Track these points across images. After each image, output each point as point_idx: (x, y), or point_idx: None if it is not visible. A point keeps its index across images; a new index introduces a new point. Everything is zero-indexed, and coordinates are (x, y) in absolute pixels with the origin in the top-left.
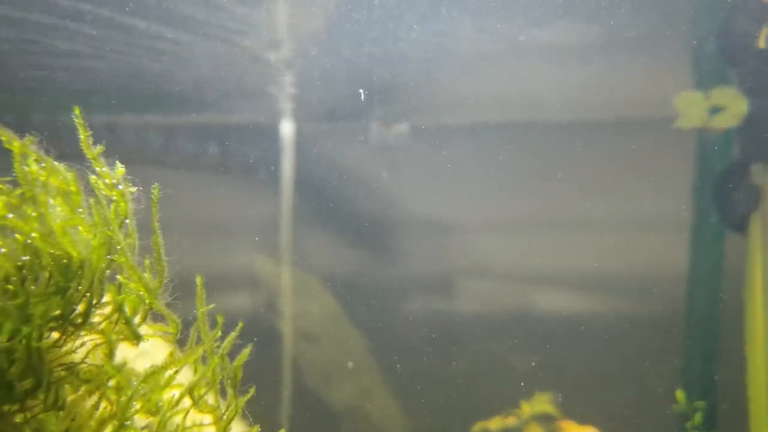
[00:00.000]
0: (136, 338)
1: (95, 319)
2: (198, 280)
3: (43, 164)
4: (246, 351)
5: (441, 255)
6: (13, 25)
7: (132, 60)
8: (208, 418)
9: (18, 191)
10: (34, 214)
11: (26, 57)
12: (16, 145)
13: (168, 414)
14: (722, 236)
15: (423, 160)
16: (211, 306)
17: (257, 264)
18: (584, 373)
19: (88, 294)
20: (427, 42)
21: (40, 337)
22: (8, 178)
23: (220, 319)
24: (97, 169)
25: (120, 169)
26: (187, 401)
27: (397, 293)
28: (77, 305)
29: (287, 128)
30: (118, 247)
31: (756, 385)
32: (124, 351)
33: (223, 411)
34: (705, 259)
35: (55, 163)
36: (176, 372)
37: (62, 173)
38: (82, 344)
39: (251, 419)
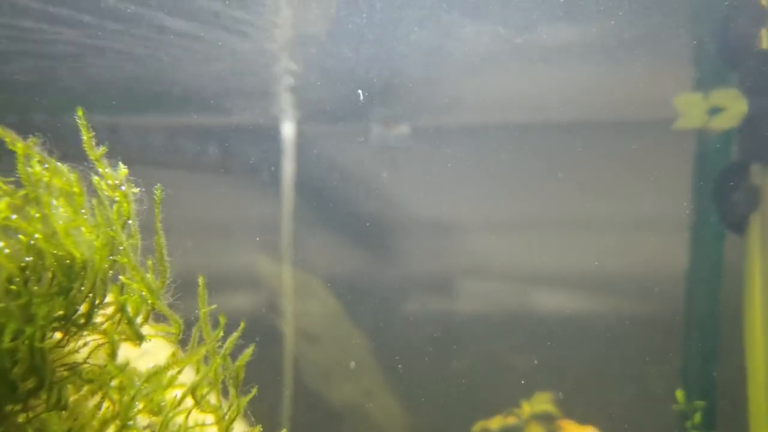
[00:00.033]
0: (139, 338)
1: (98, 319)
2: (200, 280)
3: (46, 165)
4: (248, 351)
5: (441, 255)
6: (14, 26)
7: (133, 61)
8: (210, 418)
9: (21, 192)
10: (37, 215)
11: (27, 57)
12: (19, 146)
13: (170, 414)
14: (722, 236)
15: (423, 160)
16: (213, 306)
17: (258, 264)
18: (584, 373)
19: (90, 294)
20: (427, 43)
21: (43, 338)
22: (11, 179)
23: (222, 320)
24: (100, 170)
25: (123, 170)
26: (189, 401)
27: (398, 293)
28: (80, 306)
29: (288, 129)
30: (121, 248)
31: (755, 385)
32: (126, 351)
33: (225, 411)
34: (705, 259)
35: (58, 164)
36: (179, 372)
37: (65, 174)
38: (85, 344)
39: (253, 419)
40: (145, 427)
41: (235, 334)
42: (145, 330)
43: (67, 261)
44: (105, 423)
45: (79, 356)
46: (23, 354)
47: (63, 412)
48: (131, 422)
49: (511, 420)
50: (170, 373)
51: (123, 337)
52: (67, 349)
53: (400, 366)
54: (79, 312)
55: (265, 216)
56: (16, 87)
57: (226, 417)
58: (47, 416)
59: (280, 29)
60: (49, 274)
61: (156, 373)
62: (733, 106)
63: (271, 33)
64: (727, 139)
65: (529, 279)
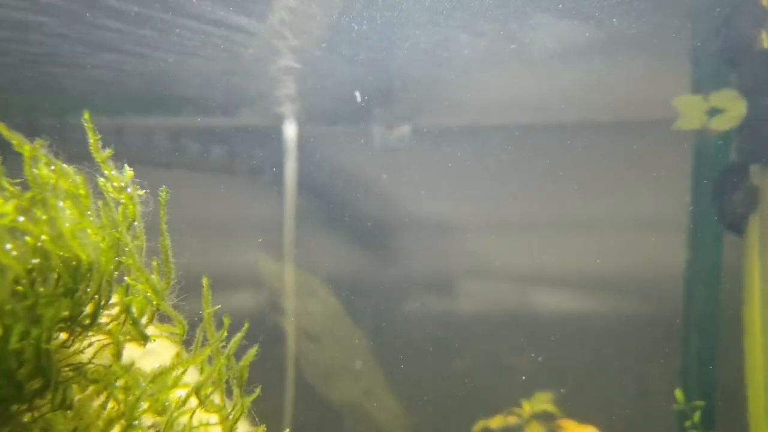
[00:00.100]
0: (143, 339)
1: (103, 319)
2: (204, 281)
3: (52, 167)
4: (252, 351)
5: (442, 255)
6: (19, 28)
7: (138, 63)
8: (214, 418)
9: (29, 194)
10: (44, 217)
11: (33, 60)
12: (26, 148)
13: (175, 414)
14: (721, 237)
15: (424, 161)
16: (217, 307)
17: (260, 264)
18: (584, 373)
19: (96, 296)
20: (427, 45)
21: (49, 339)
22: (18, 180)
23: (226, 320)
24: (106, 172)
25: (128, 172)
26: (193, 401)
27: (398, 293)
28: (85, 307)
29: (290, 131)
30: (126, 249)
31: (754, 385)
32: (131, 351)
33: (229, 411)
34: (704, 259)
35: (65, 166)
36: (183, 372)
37: (71, 176)
38: (90, 344)
39: (257, 419)
40: (149, 427)
41: (239, 335)
42: (150, 330)
43: (74, 263)
44: (110, 423)
45: (84, 356)
46: (29, 355)
47: (68, 411)
48: (136, 422)
49: (512, 419)
50: (175, 373)
51: (128, 337)
52: (72, 349)
53: (402, 366)
54: (84, 313)
55: (266, 216)
56: (21, 89)
57: (230, 417)
58: (52, 416)
59: (282, 32)
60: (55, 276)
61: (161, 374)
62: (732, 107)
63: (274, 36)
64: (727, 139)
65: (529, 279)
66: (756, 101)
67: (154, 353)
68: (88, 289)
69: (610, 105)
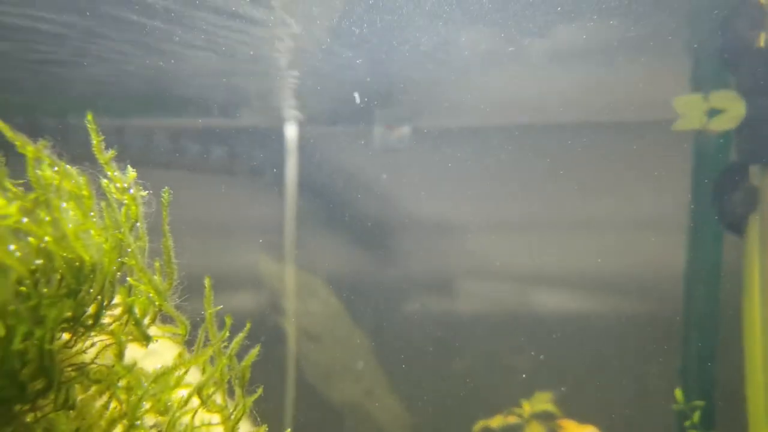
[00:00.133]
0: (146, 339)
1: (105, 320)
2: (206, 282)
3: (56, 168)
4: (254, 351)
5: (442, 255)
6: (20, 28)
7: (138, 63)
8: (216, 418)
9: (32, 195)
10: (47, 218)
11: (33, 60)
12: (29, 149)
13: (177, 414)
14: (721, 237)
15: (424, 161)
16: (219, 307)
17: (261, 264)
18: (584, 373)
19: (99, 296)
20: (427, 48)
21: (52, 339)
22: (21, 181)
23: (228, 321)
24: (109, 173)
25: (131, 173)
26: (195, 401)
27: (399, 293)
28: (88, 307)
29: (291, 132)
30: (129, 250)
31: (754, 385)
32: (133, 351)
33: (231, 411)
34: (704, 259)
35: (68, 166)
36: (185, 372)
37: (75, 177)
38: (92, 345)
39: (258, 419)
40: (151, 427)
41: (241, 335)
42: (152, 331)
43: (77, 264)
44: (112, 423)
45: (87, 357)
46: (32, 355)
47: (71, 411)
48: (138, 422)
49: (512, 419)
50: (177, 373)
51: (130, 337)
52: (74, 349)
53: (402, 366)
54: (87, 313)
55: (267, 217)
56: (21, 89)
57: (232, 417)
58: (55, 416)
59: (283, 34)
60: (58, 276)
61: (163, 374)
62: (732, 108)
63: (274, 37)
64: (726, 140)
65: (529, 279)
66: (755, 101)
67: (157, 353)
68: (91, 290)
69: (610, 105)
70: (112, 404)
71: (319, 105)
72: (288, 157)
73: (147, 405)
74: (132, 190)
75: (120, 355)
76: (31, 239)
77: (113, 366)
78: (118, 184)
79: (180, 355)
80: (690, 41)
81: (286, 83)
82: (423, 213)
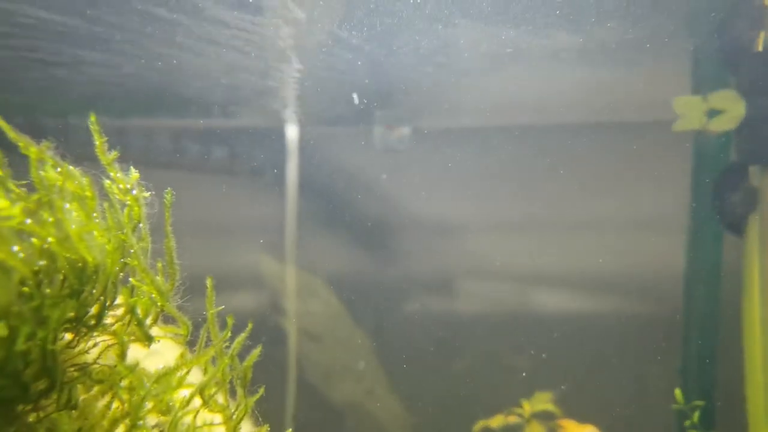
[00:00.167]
0: (148, 339)
1: (108, 320)
2: (209, 282)
3: (59, 169)
4: (256, 352)
5: (442, 255)
6: (19, 27)
7: (139, 64)
8: (218, 418)
9: (35, 196)
10: (51, 219)
11: (33, 59)
12: (32, 150)
13: (179, 414)
14: (721, 237)
15: (425, 162)
16: (221, 308)
17: (262, 265)
18: (584, 373)
19: (101, 297)
20: (427, 50)
21: (55, 340)
22: (24, 182)
23: (230, 321)
24: (112, 174)
25: (134, 174)
26: (197, 401)
27: (399, 293)
28: (91, 308)
29: (291, 132)
30: (132, 251)
31: (753, 385)
32: (135, 351)
33: (232, 411)
34: (704, 259)
35: (71, 167)
36: (187, 372)
37: (77, 178)
38: (95, 345)
39: (260, 419)
40: (153, 427)
41: (243, 335)
42: (154, 331)
43: (80, 264)
44: (114, 422)
45: (89, 357)
46: (35, 356)
47: (73, 411)
48: (141, 422)
49: (512, 419)
50: (179, 373)
51: (132, 338)
52: (77, 349)
53: (403, 366)
54: (89, 314)
55: (268, 217)
56: (21, 89)
57: (234, 417)
58: (58, 416)
59: (283, 35)
60: (61, 277)
61: (165, 374)
62: (731, 108)
63: (275, 38)
64: (726, 140)
65: (529, 279)
66: (755, 102)
67: (159, 354)
68: (94, 291)
69: (610, 106)
70: (115, 404)
71: (319, 105)
72: (288, 157)
73: (149, 405)
74: (135, 191)
75: (122, 355)
76: (34, 240)
77: (115, 366)
78: (121, 185)
79: (182, 356)
80: (689, 42)
81: (286, 84)
82: (423, 213)
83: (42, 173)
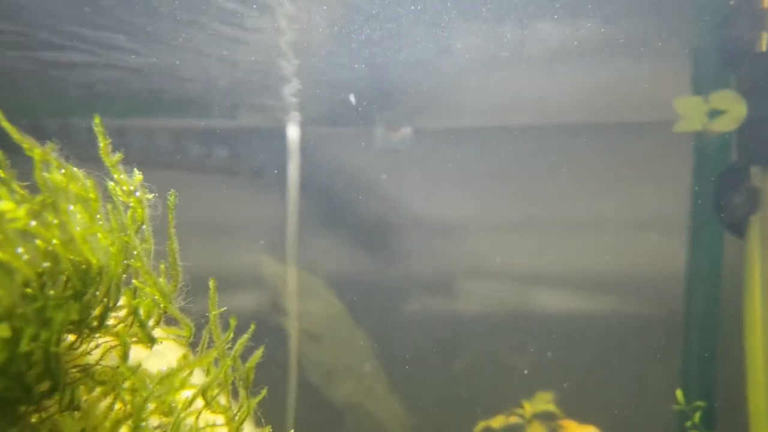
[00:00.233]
0: (150, 341)
1: (111, 322)
2: (211, 284)
3: (63, 171)
4: (258, 353)
5: (442, 255)
6: (22, 30)
7: (139, 64)
8: (220, 419)
9: (39, 198)
10: (55, 221)
11: (36, 61)
12: (37, 152)
13: (182, 415)
14: (721, 237)
15: (425, 162)
16: (223, 309)
17: (263, 265)
18: (584, 373)
19: (105, 299)
20: (429, 48)
21: (58, 341)
22: (26, 183)
23: (232, 322)
24: (115, 175)
25: (137, 176)
26: (200, 402)
27: (400, 293)
28: (94, 309)
29: (292, 132)
30: (135, 253)
31: (754, 386)
32: (137, 353)
33: (235, 412)
34: (704, 259)
35: (75, 169)
36: (189, 374)
37: (81, 180)
38: (97, 346)
39: (262, 419)
40: (156, 428)
41: (245, 336)
42: (157, 332)
43: (83, 266)
44: (117, 423)
45: (92, 358)
46: (38, 357)
47: (76, 412)
48: (143, 423)
49: (513, 419)
50: (181, 374)
51: (135, 339)
52: (80, 351)
53: (404, 366)
54: (92, 315)
55: (268, 217)
56: (22, 89)
57: (236, 418)
58: (60, 417)
59: (284, 36)
60: (64, 279)
61: (168, 375)
62: (732, 109)
63: (276, 39)
64: (727, 141)
65: (529, 279)
66: (756, 102)
67: (161, 355)
68: (97, 293)
69: (611, 106)
70: (117, 405)
71: (320, 106)
72: (289, 157)
73: (152, 406)
74: (138, 193)
75: (125, 356)
76: (38, 242)
77: (118, 367)
78: (124, 187)
79: (184, 357)
80: (691, 42)
81: (287, 84)
82: (424, 213)
83: (46, 175)
